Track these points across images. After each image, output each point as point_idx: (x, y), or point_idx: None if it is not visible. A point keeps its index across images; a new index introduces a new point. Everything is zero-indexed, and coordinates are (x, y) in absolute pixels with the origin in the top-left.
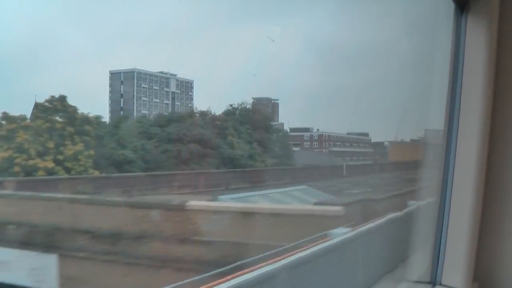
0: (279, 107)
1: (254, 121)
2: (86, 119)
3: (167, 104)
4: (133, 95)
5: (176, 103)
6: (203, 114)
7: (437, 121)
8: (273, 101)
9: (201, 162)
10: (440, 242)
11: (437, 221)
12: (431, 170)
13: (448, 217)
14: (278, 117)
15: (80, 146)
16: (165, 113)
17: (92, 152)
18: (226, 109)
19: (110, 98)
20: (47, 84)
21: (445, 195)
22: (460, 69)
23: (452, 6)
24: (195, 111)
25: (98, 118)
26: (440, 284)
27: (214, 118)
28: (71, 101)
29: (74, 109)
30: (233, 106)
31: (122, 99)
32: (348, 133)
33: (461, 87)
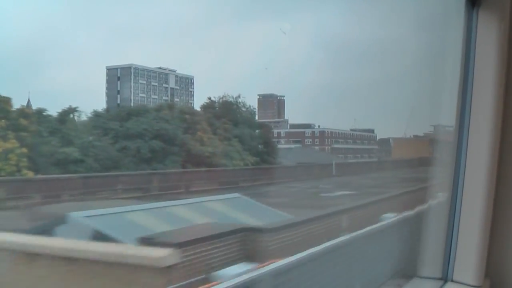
0: (285, 103)
1: (236, 116)
2: (22, 113)
3: (166, 100)
4: (130, 91)
5: (176, 99)
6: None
7: (448, 118)
8: (279, 98)
9: (165, 161)
10: (452, 239)
11: (449, 218)
12: (439, 167)
13: (460, 213)
14: (284, 114)
15: (12, 143)
16: (128, 106)
17: (24, 150)
18: (204, 103)
19: (107, 95)
20: (42, 83)
21: (457, 192)
22: (471, 65)
23: (462, 1)
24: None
25: (40, 111)
26: (452, 281)
27: (184, 112)
28: (71, 98)
29: (6, 100)
30: (212, 99)
31: (119, 96)
32: (352, 130)
33: (472, 83)
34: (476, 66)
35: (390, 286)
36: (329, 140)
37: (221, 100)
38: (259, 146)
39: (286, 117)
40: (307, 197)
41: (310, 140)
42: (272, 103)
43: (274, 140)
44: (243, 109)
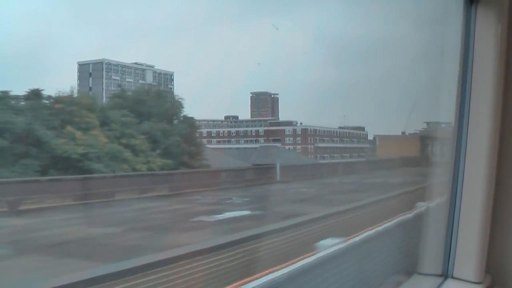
0: (279, 101)
1: (149, 108)
2: None
3: None
4: (102, 88)
5: None
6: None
7: (446, 115)
8: (272, 96)
9: (14, 166)
10: (452, 235)
11: (449, 214)
12: (435, 165)
13: (460, 209)
14: (278, 113)
15: None
16: None
17: None
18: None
19: (79, 92)
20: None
21: (456, 188)
22: (470, 62)
23: None
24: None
25: None
26: (452, 277)
27: (60, 101)
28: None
29: None
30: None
31: (91, 93)
32: (340, 127)
33: (471, 80)
34: (474, 63)
35: (391, 283)
36: (312, 138)
37: (144, 88)
38: (179, 145)
39: (280, 115)
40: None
41: (291, 139)
42: (265, 101)
43: (202, 139)
44: (167, 100)
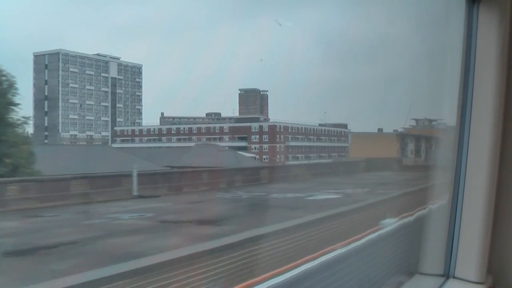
0: (268, 99)
1: None
2: None
3: (105, 92)
4: (58, 81)
5: (118, 91)
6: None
7: (448, 115)
8: (261, 93)
9: None
10: (454, 235)
11: (450, 214)
12: (433, 167)
13: (462, 210)
14: (267, 110)
15: None
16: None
17: None
18: None
19: (34, 85)
20: None
21: (458, 188)
22: (472, 61)
23: None
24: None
25: None
26: (454, 277)
27: None
28: None
29: None
30: None
31: (46, 86)
32: (320, 125)
33: (473, 80)
34: (477, 62)
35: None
36: (282, 136)
37: None
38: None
39: (270, 112)
40: None
41: (257, 136)
42: (255, 98)
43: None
44: None
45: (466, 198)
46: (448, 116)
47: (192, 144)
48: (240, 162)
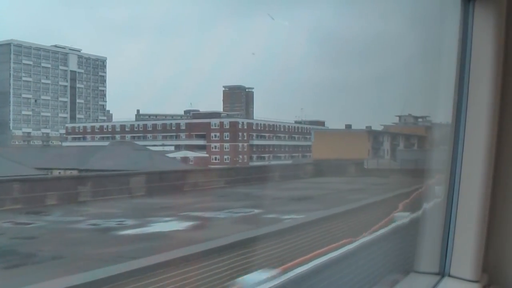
0: (254, 96)
1: None
2: None
3: (64, 86)
4: (10, 74)
5: (79, 85)
6: None
7: (444, 113)
8: (247, 90)
9: None
10: (449, 233)
11: (446, 212)
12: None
13: (457, 208)
14: (252, 107)
15: None
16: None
17: None
18: None
19: None
20: None
21: (454, 187)
22: (467, 59)
23: None
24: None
25: None
26: (449, 275)
27: None
28: None
29: None
30: None
31: None
32: (296, 122)
33: (469, 78)
34: (472, 61)
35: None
36: (245, 134)
37: None
38: None
39: (255, 110)
40: None
41: (218, 134)
42: (240, 95)
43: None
44: None
45: (461, 196)
46: (444, 114)
47: (107, 143)
48: (155, 165)
